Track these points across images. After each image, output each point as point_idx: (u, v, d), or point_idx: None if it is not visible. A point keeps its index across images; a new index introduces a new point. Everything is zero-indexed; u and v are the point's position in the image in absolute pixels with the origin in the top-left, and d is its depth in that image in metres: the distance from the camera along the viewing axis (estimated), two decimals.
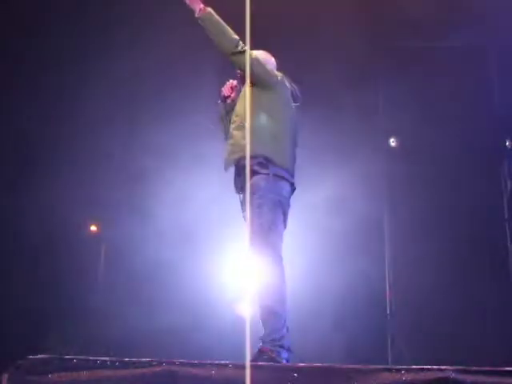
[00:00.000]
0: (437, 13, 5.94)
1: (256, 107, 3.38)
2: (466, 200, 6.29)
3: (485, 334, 5.75)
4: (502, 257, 6.30)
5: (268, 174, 3.32)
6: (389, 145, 6.97)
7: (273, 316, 3.18)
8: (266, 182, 3.33)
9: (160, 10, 5.77)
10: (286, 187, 3.41)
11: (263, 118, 3.43)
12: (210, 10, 3.42)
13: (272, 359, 3.06)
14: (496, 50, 6.70)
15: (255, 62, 3.44)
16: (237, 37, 3.39)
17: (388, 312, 6.51)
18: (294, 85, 3.71)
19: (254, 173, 3.32)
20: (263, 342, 3.15)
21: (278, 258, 3.28)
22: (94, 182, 6.66)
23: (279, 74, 3.60)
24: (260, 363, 2.94)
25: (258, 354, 3.10)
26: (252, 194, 3.28)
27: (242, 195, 3.51)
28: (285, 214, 3.42)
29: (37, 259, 6.38)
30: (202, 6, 3.41)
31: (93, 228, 7.30)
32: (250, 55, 3.34)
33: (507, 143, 6.54)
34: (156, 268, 6.52)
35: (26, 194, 6.51)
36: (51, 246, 6.42)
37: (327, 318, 6.10)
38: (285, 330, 3.19)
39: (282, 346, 3.14)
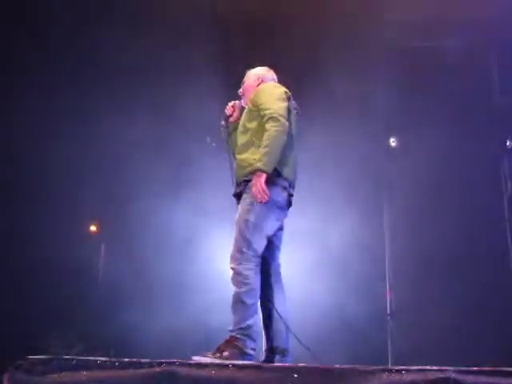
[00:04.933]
0: (437, 13, 5.94)
1: (260, 131, 3.52)
2: (466, 200, 6.29)
3: (485, 334, 5.75)
4: (502, 257, 6.30)
5: (270, 183, 3.40)
6: (389, 145, 6.97)
7: (240, 305, 3.28)
8: (266, 186, 3.40)
9: None
10: (284, 196, 3.52)
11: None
12: (261, 167, 3.37)
13: (238, 348, 3.16)
14: (496, 50, 6.70)
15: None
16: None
17: (388, 312, 6.51)
18: (292, 99, 3.78)
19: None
20: (232, 331, 3.25)
21: (254, 255, 3.37)
22: (94, 182, 6.67)
23: (286, 97, 3.61)
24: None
25: (225, 343, 3.20)
26: (248, 192, 3.44)
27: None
28: (278, 220, 3.54)
29: (37, 259, 6.37)
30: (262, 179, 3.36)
31: (93, 228, 7.30)
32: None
33: (507, 143, 6.53)
34: (156, 268, 6.53)
35: (27, 194, 6.52)
36: (51, 246, 6.41)
37: (327, 319, 6.09)
38: (253, 320, 3.27)
39: (249, 336, 3.23)
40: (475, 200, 6.29)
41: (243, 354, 3.16)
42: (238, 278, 3.32)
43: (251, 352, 3.21)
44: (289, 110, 3.58)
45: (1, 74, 6.20)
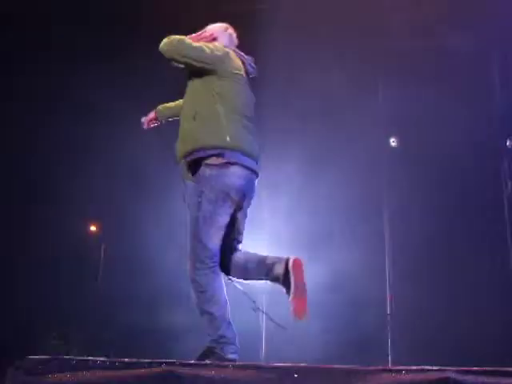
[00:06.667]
0: (437, 13, 5.94)
1: (202, 94, 3.31)
2: (466, 200, 6.29)
3: (485, 334, 5.74)
4: (502, 257, 6.30)
5: (218, 164, 3.19)
6: (389, 145, 6.97)
7: (206, 316, 3.20)
8: (213, 171, 3.19)
9: None
10: (239, 172, 3.23)
11: (212, 105, 3.28)
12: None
13: (217, 356, 3.10)
14: (497, 50, 6.70)
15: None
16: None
17: (388, 312, 6.50)
18: (247, 57, 3.54)
19: (204, 164, 3.22)
20: (209, 341, 3.19)
21: (210, 255, 3.19)
22: (94, 181, 6.66)
23: (223, 53, 3.36)
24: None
25: (205, 353, 3.14)
26: (197, 183, 3.24)
27: (185, 185, 3.39)
28: (239, 203, 3.27)
29: (37, 259, 6.38)
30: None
31: (93, 228, 7.30)
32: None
33: (507, 143, 6.53)
34: (156, 268, 6.52)
35: (26, 194, 6.52)
36: (51, 246, 6.42)
37: (327, 319, 6.09)
38: (224, 327, 3.17)
39: (225, 343, 3.16)
40: (475, 200, 6.29)
41: (224, 361, 3.07)
42: (195, 285, 3.19)
43: (232, 356, 3.13)
44: (230, 73, 3.33)
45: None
